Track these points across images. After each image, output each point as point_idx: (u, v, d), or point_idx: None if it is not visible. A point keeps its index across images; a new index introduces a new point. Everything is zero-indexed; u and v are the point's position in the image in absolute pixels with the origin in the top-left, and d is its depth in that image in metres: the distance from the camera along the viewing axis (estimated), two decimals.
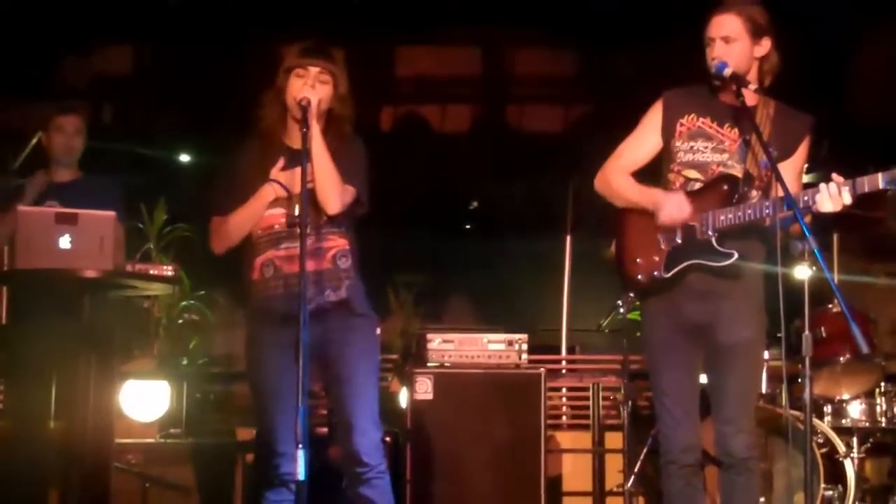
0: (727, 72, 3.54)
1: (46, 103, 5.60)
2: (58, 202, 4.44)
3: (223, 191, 3.67)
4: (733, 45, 3.57)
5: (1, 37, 6.63)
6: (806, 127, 3.67)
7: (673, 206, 3.59)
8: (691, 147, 3.66)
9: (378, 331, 3.87)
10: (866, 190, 3.35)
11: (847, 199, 3.35)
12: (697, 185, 3.64)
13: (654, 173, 3.79)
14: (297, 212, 3.54)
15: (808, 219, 3.44)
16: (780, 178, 3.37)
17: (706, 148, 3.65)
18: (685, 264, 3.60)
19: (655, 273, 3.64)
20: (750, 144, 3.59)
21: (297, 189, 3.51)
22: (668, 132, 3.71)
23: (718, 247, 3.56)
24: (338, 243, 3.64)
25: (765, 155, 3.48)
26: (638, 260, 3.70)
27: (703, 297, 3.61)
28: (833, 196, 3.35)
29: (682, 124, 3.69)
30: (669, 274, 3.62)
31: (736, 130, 3.63)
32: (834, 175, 3.38)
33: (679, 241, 3.62)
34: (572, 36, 7.81)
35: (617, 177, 3.77)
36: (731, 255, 3.54)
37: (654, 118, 3.75)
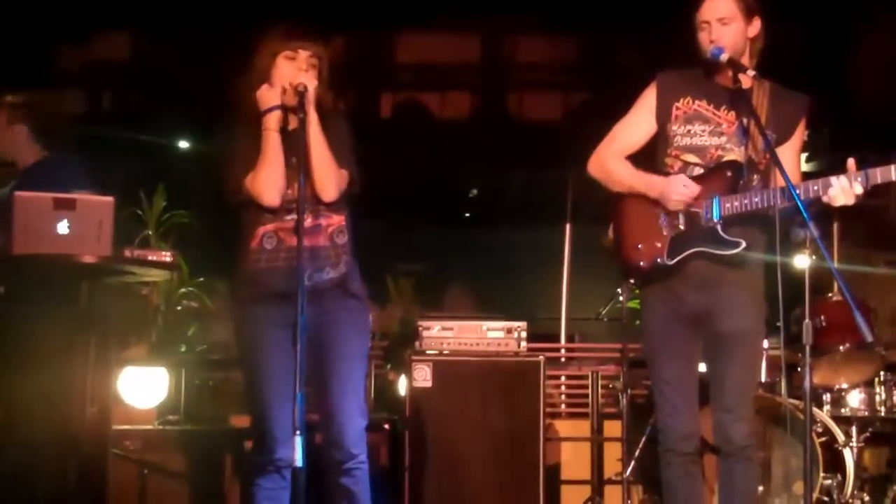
0: (724, 57, 3.50)
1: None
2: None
3: (238, 156, 3.57)
4: (729, 26, 3.54)
5: None
6: (802, 107, 3.64)
7: (680, 189, 3.55)
8: (688, 131, 3.63)
9: (371, 316, 3.83)
10: (879, 181, 3.33)
11: (859, 189, 3.33)
12: (698, 170, 3.61)
13: (647, 156, 3.76)
14: (292, 191, 3.49)
15: (814, 208, 3.42)
16: (780, 167, 3.35)
17: (703, 131, 3.62)
18: (690, 251, 3.57)
19: (658, 260, 3.61)
20: (748, 127, 3.56)
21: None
22: (663, 116, 3.68)
23: (724, 234, 3.53)
24: (334, 220, 3.60)
25: (767, 139, 3.47)
26: (639, 246, 3.66)
27: (703, 285, 3.58)
28: (845, 189, 3.33)
29: (678, 108, 3.66)
30: (673, 261, 3.59)
31: (733, 113, 3.60)
32: (850, 161, 3.35)
33: (682, 227, 3.59)
34: (572, 23, 7.78)
35: (612, 161, 3.73)
36: (737, 244, 3.51)
37: (648, 101, 3.72)
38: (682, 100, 3.66)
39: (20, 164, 4.62)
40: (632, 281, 3.71)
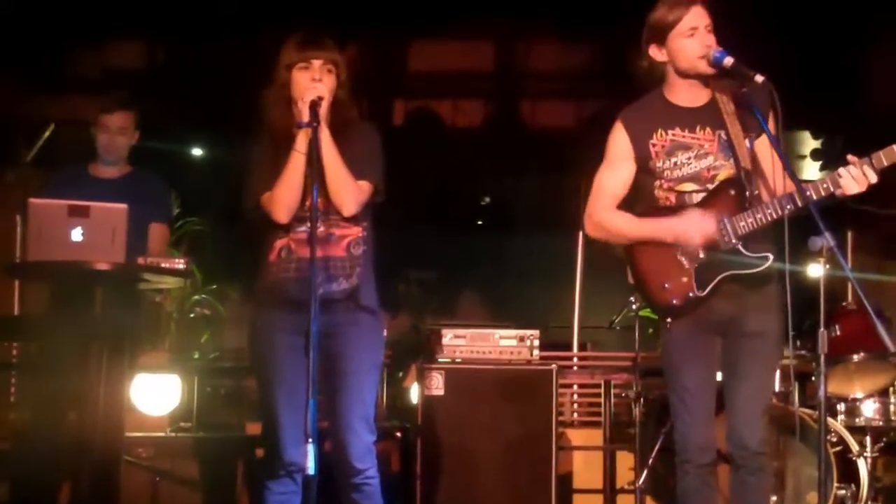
0: (727, 61, 3.43)
1: (91, 97, 5.62)
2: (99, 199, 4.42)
3: (258, 174, 3.59)
4: (712, 34, 3.49)
5: (14, 28, 6.64)
6: (766, 92, 3.44)
7: (697, 225, 3.50)
8: (675, 163, 3.56)
9: (385, 331, 3.82)
10: (885, 164, 3.34)
11: (873, 176, 3.34)
12: (698, 196, 3.55)
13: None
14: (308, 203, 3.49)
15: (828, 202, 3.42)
16: (792, 175, 3.35)
17: (689, 158, 3.55)
18: (720, 278, 3.50)
19: (690, 294, 3.53)
20: (728, 137, 3.52)
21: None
22: (641, 155, 3.60)
23: (748, 252, 3.48)
24: (351, 231, 3.59)
25: (749, 143, 3.48)
26: (666, 285, 3.57)
27: (731, 295, 3.54)
28: (857, 177, 3.34)
29: (654, 144, 3.59)
30: (705, 292, 3.52)
31: (708, 129, 3.55)
32: (850, 157, 3.36)
33: (702, 255, 3.53)
34: (585, 31, 7.77)
35: (607, 217, 3.66)
36: (765, 259, 3.46)
37: (620, 145, 3.64)
38: (655, 135, 3.58)
39: (101, 174, 4.70)
40: (668, 320, 3.63)
